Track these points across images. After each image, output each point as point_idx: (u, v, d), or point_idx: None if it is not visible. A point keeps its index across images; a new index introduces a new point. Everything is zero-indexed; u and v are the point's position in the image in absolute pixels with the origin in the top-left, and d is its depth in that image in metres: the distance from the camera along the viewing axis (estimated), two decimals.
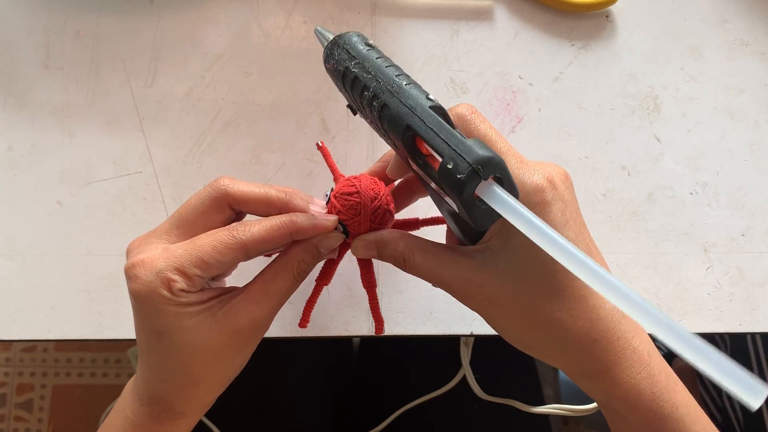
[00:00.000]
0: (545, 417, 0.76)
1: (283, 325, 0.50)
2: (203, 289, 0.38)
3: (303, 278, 0.40)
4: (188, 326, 0.37)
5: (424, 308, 0.51)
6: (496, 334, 0.51)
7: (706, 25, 0.56)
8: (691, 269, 0.52)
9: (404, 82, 0.34)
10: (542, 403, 0.75)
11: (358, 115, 0.40)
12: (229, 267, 0.38)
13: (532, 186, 0.34)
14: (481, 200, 0.31)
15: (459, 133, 0.32)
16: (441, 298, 0.51)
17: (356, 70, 0.35)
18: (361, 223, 0.40)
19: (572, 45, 0.55)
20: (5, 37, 0.54)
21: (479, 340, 0.61)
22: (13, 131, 0.53)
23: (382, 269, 0.51)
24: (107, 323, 0.50)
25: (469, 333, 0.50)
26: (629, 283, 0.52)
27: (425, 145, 0.33)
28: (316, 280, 0.44)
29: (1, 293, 0.50)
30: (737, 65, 0.56)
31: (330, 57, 0.37)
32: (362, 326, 0.51)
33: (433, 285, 0.38)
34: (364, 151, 0.53)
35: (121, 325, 0.50)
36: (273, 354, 0.69)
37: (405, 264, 0.38)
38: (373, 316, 0.44)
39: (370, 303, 0.44)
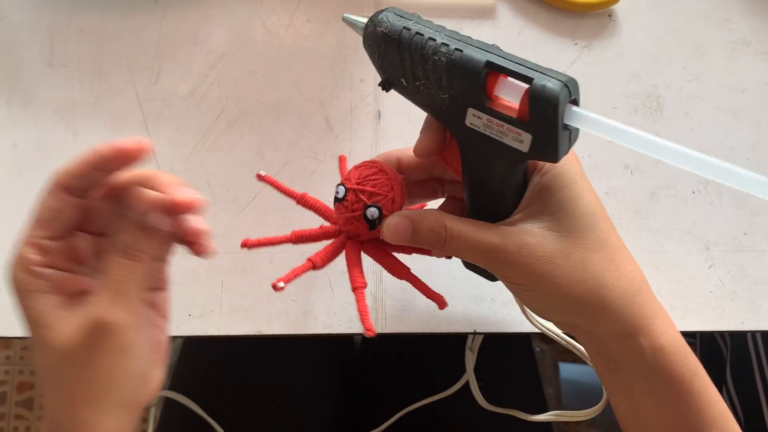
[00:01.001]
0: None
1: (286, 323, 0.50)
2: (72, 280, 0.36)
3: (143, 259, 0.35)
4: (47, 323, 0.35)
5: (428, 306, 0.51)
6: (498, 332, 0.51)
7: (709, 25, 0.56)
8: (694, 267, 0.52)
9: (463, 36, 0.34)
10: (544, 404, 0.75)
11: (388, 92, 0.39)
12: (64, 214, 0.36)
13: (572, 157, 0.37)
14: (564, 125, 0.32)
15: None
16: (444, 296, 0.51)
17: (417, 26, 0.35)
18: (395, 200, 0.39)
19: (575, 44, 0.56)
20: (10, 35, 0.54)
21: (484, 346, 0.61)
22: (18, 129, 0.53)
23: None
24: None
25: (472, 331, 0.50)
26: None
27: (498, 87, 0.33)
28: (309, 258, 0.40)
29: (6, 291, 0.50)
30: (740, 65, 0.56)
31: (379, 24, 0.36)
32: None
33: (470, 258, 0.37)
34: (368, 149, 0.53)
35: None
36: (274, 352, 0.69)
37: (446, 236, 0.37)
38: (428, 296, 0.41)
39: (417, 287, 0.41)
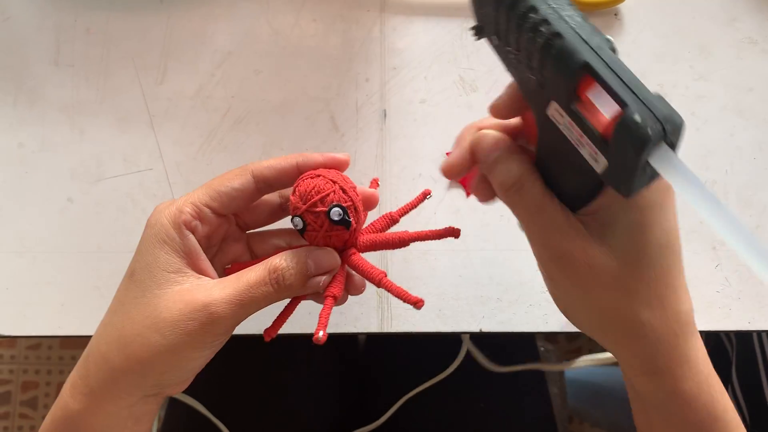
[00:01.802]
0: (551, 416, 0.77)
1: (291, 322, 0.50)
2: (199, 256, 0.37)
3: (280, 284, 0.36)
4: (156, 277, 0.36)
5: (433, 305, 0.51)
6: (504, 331, 0.51)
7: (716, 24, 0.56)
8: (700, 267, 0.52)
9: (579, 16, 0.29)
10: (549, 403, 0.75)
11: (480, 41, 0.35)
12: (239, 195, 0.38)
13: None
14: (647, 163, 0.28)
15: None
16: (450, 294, 0.51)
17: (529, 5, 0.29)
18: (344, 187, 0.36)
19: None
20: (16, 34, 0.55)
21: (486, 345, 0.61)
22: (24, 128, 0.53)
23: (391, 264, 0.51)
24: None
25: (478, 330, 0.50)
26: None
27: (591, 91, 0.29)
28: (327, 294, 0.39)
29: (12, 289, 0.50)
30: (746, 64, 0.56)
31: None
32: (371, 323, 0.51)
33: (524, 220, 0.35)
34: (373, 148, 0.53)
35: None
36: (278, 352, 0.69)
37: (516, 186, 0.35)
38: (401, 298, 0.38)
39: (393, 293, 0.38)
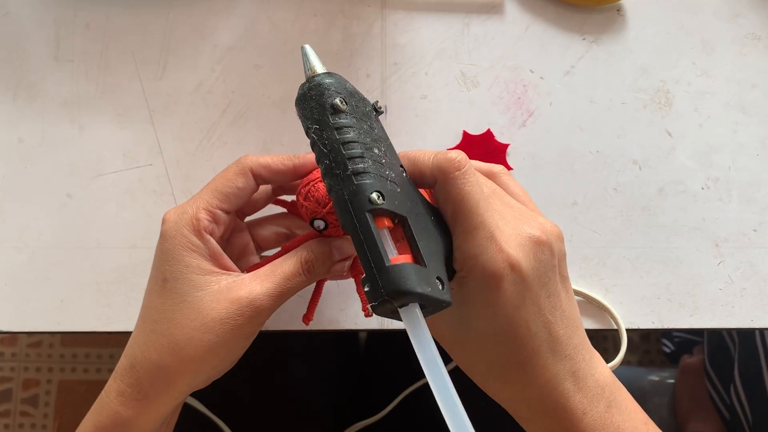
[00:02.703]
0: None
1: (291, 319, 0.50)
2: (223, 257, 0.39)
3: (311, 273, 0.39)
4: (193, 281, 0.37)
5: None
6: None
7: (719, 20, 0.56)
8: (703, 264, 0.52)
9: (356, 166, 0.32)
10: None
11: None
12: (243, 194, 0.40)
13: (490, 271, 0.33)
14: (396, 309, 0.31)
15: (385, 249, 0.31)
16: None
17: (314, 136, 0.33)
18: None
19: (583, 39, 0.55)
20: (15, 29, 0.54)
21: None
22: (24, 123, 0.53)
23: None
24: (116, 316, 0.50)
25: None
26: (640, 278, 0.51)
27: None
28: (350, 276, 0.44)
29: (11, 285, 0.50)
30: (750, 60, 0.55)
31: (299, 102, 0.35)
32: (371, 320, 0.50)
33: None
34: None
35: (131, 318, 0.50)
36: (279, 349, 0.69)
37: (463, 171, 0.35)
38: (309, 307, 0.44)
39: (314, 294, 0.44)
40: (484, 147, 0.53)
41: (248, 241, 0.45)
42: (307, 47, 0.37)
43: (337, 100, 0.34)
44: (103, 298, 0.50)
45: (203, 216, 0.39)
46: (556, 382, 0.35)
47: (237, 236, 0.44)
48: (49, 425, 1.36)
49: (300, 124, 0.36)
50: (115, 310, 0.50)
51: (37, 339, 1.39)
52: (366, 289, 0.30)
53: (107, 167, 0.52)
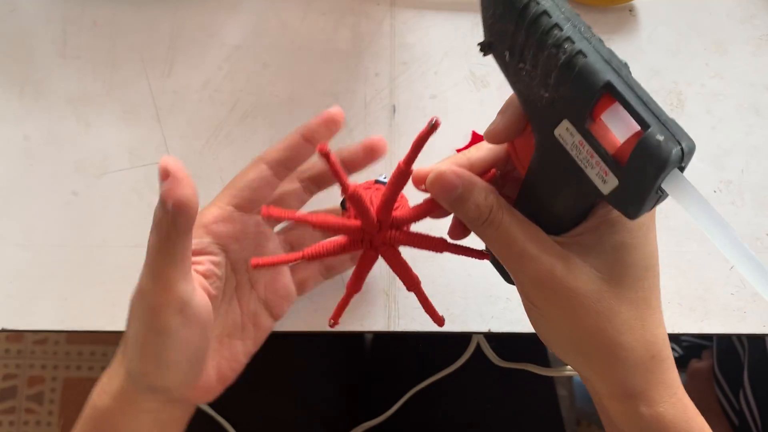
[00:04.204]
0: (559, 418, 0.76)
1: (297, 320, 0.50)
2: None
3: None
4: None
5: (441, 305, 0.50)
6: (513, 332, 0.50)
7: (732, 21, 0.55)
8: (714, 268, 0.51)
9: (599, 38, 0.30)
10: (557, 405, 0.75)
11: (486, 57, 0.34)
12: (257, 185, 0.40)
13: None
14: (659, 187, 0.28)
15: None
16: (458, 294, 0.50)
17: (548, 4, 0.29)
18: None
19: None
20: (23, 26, 0.54)
21: (497, 347, 0.60)
22: (30, 120, 0.52)
23: None
24: (121, 314, 0.50)
25: (486, 330, 0.50)
26: None
27: (608, 112, 0.29)
28: (346, 287, 0.43)
29: (16, 283, 0.50)
30: (764, 61, 0.55)
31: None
32: (378, 322, 0.50)
33: (500, 255, 0.35)
34: None
35: None
36: (284, 349, 0.69)
37: (489, 219, 0.34)
38: (427, 313, 0.43)
39: (420, 301, 0.42)
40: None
41: (278, 248, 0.45)
42: None
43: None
44: (109, 296, 0.50)
45: (212, 211, 0.40)
46: (665, 332, 0.36)
47: (268, 242, 0.44)
48: (53, 422, 1.36)
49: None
50: (120, 308, 0.50)
51: (42, 336, 1.39)
52: (660, 138, 0.27)
53: (113, 165, 0.52)
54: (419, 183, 0.37)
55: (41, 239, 0.50)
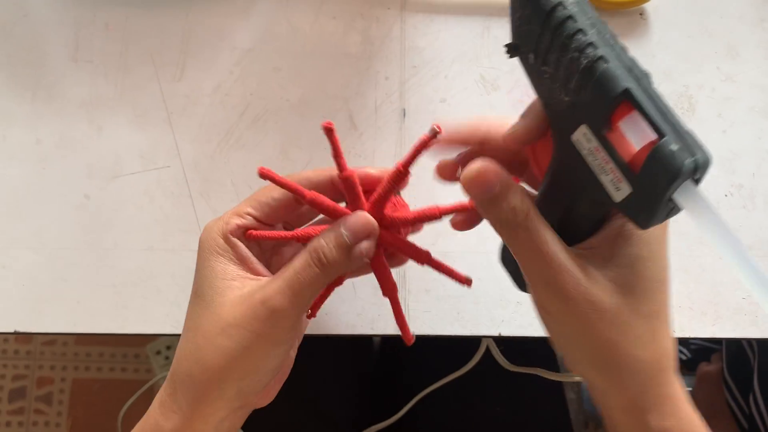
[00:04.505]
0: (567, 421, 0.76)
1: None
2: (252, 261, 0.38)
3: (324, 264, 0.36)
4: (217, 287, 0.37)
5: (452, 308, 0.50)
6: (524, 336, 0.50)
7: (744, 24, 0.55)
8: (725, 273, 0.51)
9: (622, 45, 0.30)
10: (565, 408, 0.74)
11: (511, 60, 0.34)
12: (279, 205, 0.39)
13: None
14: (671, 197, 0.28)
15: None
16: (469, 298, 0.50)
17: (574, 9, 0.29)
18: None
19: None
20: (35, 30, 0.54)
21: (504, 350, 0.60)
22: (42, 124, 0.53)
23: (408, 265, 0.50)
24: (133, 317, 0.50)
25: (497, 334, 0.50)
26: None
27: (625, 119, 0.29)
28: (383, 294, 0.41)
29: (28, 286, 0.50)
30: None
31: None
32: (388, 325, 0.50)
33: (525, 260, 0.34)
34: (392, 147, 0.53)
35: (147, 320, 0.50)
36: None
37: (522, 223, 0.33)
38: (398, 325, 0.41)
39: (394, 310, 0.41)
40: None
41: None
42: None
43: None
44: (120, 299, 0.50)
45: (233, 221, 0.38)
46: (673, 344, 0.36)
47: (286, 249, 0.44)
48: (62, 423, 1.37)
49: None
50: (132, 311, 0.50)
51: (51, 337, 1.39)
52: (674, 148, 0.27)
53: (125, 168, 0.52)
54: (445, 174, 0.38)
55: (53, 242, 0.51)
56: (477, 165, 0.33)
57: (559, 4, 0.30)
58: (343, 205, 0.40)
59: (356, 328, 0.50)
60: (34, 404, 1.38)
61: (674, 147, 0.27)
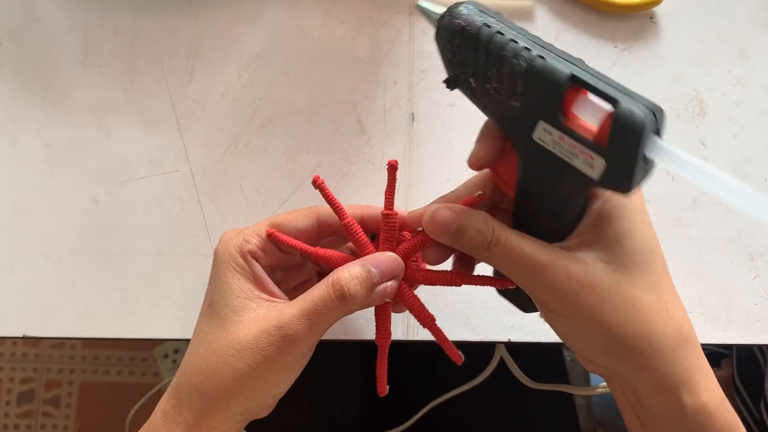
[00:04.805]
0: (576, 426, 0.75)
1: None
2: (268, 282, 0.38)
3: (345, 297, 0.36)
4: (233, 305, 0.37)
5: (461, 314, 0.50)
6: (533, 341, 0.50)
7: (755, 27, 0.55)
8: (737, 278, 0.50)
9: (548, 44, 0.32)
10: (575, 413, 0.74)
11: (452, 91, 0.36)
12: (300, 235, 0.39)
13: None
14: (644, 156, 0.29)
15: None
16: (478, 303, 0.50)
17: (498, 25, 0.32)
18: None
19: (615, 47, 0.54)
20: (44, 35, 0.55)
21: (514, 354, 0.60)
22: (51, 129, 0.53)
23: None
24: (141, 322, 0.50)
25: (506, 340, 0.49)
26: None
27: (577, 104, 0.31)
28: (375, 341, 0.42)
29: (37, 290, 0.50)
30: None
31: (458, 16, 0.33)
32: (396, 331, 0.50)
33: (511, 272, 0.35)
34: (401, 152, 0.52)
35: (155, 325, 0.50)
36: None
37: (492, 240, 0.34)
38: (445, 349, 0.41)
39: (437, 339, 0.41)
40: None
41: (311, 275, 0.44)
42: (420, 2, 0.36)
43: (492, 11, 0.34)
44: (129, 304, 0.50)
45: (253, 241, 0.38)
46: (684, 311, 0.36)
47: (298, 270, 0.44)
48: (70, 426, 1.37)
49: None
50: (141, 316, 0.50)
51: (59, 341, 1.40)
52: (632, 109, 0.28)
53: (134, 173, 0.52)
54: (417, 225, 0.38)
55: (62, 247, 0.51)
56: (430, 209, 0.36)
57: (483, 25, 0.32)
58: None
59: (365, 334, 0.50)
60: (42, 407, 1.38)
61: (631, 107, 0.28)
